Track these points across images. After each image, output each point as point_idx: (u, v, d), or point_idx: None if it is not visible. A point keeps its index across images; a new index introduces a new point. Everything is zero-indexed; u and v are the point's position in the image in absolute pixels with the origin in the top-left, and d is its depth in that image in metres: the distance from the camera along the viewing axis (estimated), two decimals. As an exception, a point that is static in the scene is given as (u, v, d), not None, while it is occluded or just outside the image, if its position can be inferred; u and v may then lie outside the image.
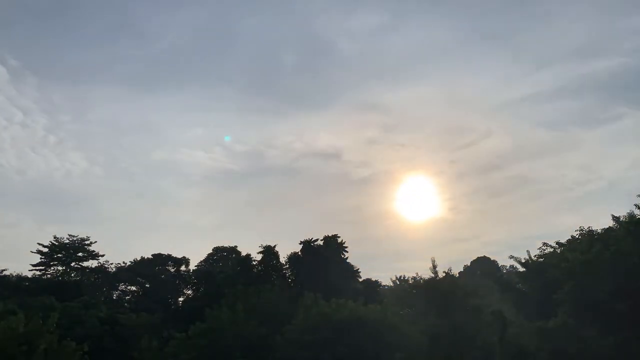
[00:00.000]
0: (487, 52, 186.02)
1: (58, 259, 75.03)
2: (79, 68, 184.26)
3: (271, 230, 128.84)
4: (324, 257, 62.75)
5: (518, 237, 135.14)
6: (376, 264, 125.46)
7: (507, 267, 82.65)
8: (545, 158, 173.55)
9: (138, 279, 75.12)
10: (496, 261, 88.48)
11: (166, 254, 76.92)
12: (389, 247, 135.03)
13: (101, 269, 77.29)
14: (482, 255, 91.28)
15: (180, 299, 74.11)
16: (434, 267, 40.42)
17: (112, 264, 77.97)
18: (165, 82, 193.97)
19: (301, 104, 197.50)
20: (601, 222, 37.55)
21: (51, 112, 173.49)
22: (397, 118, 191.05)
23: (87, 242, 76.35)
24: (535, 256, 42.84)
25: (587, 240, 36.20)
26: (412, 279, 45.76)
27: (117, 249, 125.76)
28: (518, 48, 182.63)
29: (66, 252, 75.13)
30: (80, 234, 76.77)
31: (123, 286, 77.38)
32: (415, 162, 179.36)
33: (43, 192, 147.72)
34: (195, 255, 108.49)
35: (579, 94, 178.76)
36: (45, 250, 74.21)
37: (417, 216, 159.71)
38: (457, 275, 53.29)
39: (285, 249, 74.77)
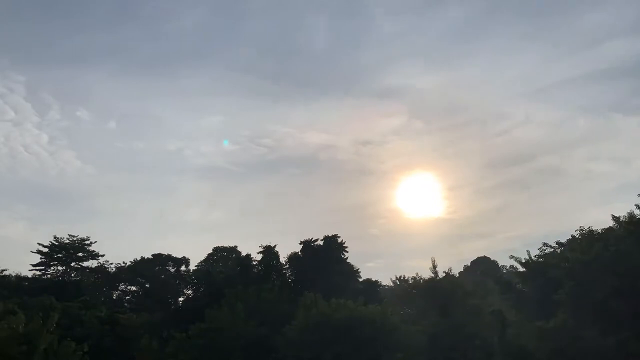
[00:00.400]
0: (527, 32, 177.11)
1: (58, 259, 75.01)
2: (72, 59, 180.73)
3: (271, 229, 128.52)
4: (324, 257, 62.68)
5: (543, 234, 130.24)
6: (382, 263, 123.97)
7: (507, 267, 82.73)
8: (580, 147, 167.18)
9: (138, 279, 75.13)
10: (496, 261, 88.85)
11: (166, 254, 76.97)
12: (400, 246, 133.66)
13: (101, 269, 77.30)
14: (482, 255, 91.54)
15: (180, 299, 74.06)
16: (434, 267, 40.58)
17: (112, 264, 78.18)
18: (166, 73, 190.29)
19: (315, 93, 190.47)
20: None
21: (43, 110, 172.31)
22: (423, 105, 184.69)
23: (87, 242, 76.39)
24: (535, 256, 42.88)
25: (587, 240, 36.14)
26: (412, 279, 45.76)
27: (113, 247, 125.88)
28: (561, 28, 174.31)
29: (66, 252, 75.10)
30: (75, 233, 76.97)
31: (123, 286, 77.42)
32: (437, 154, 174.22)
33: (37, 192, 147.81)
34: (195, 255, 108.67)
35: (623, 76, 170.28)
36: (45, 250, 74.25)
37: (434, 213, 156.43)
38: (457, 275, 53.35)
39: (285, 249, 74.76)
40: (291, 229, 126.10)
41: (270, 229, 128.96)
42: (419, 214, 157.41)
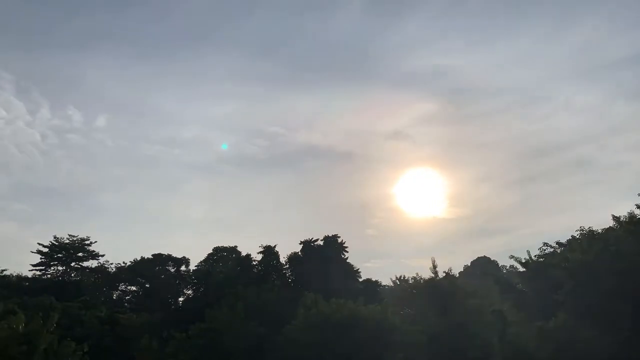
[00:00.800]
0: (573, 11, 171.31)
1: (58, 259, 75.11)
2: (67, 51, 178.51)
3: (272, 228, 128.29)
4: (324, 257, 62.70)
5: (569, 230, 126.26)
6: (381, 262, 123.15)
7: (507, 267, 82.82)
8: (618, 135, 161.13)
9: (138, 279, 75.14)
10: (496, 261, 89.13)
11: (166, 254, 76.97)
12: (405, 245, 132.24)
13: (101, 269, 77.36)
14: (483, 255, 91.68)
15: (180, 299, 74.09)
16: (434, 267, 40.48)
17: (112, 264, 78.28)
18: (166, 66, 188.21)
19: (323, 86, 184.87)
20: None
21: (36, 108, 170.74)
22: (454, 90, 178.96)
23: (87, 242, 76.48)
24: (535, 256, 42.99)
25: (587, 240, 36.18)
26: (412, 279, 45.70)
27: (113, 247, 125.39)
28: (609, 7, 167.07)
29: (66, 252, 75.21)
30: (71, 232, 77.25)
31: (123, 286, 77.44)
32: (455, 147, 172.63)
33: (32, 191, 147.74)
34: (196, 254, 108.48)
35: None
36: (45, 250, 74.30)
37: (446, 212, 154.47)
38: (457, 275, 53.28)
39: (286, 249, 74.79)
40: (292, 228, 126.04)
41: (271, 228, 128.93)
42: (432, 212, 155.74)
